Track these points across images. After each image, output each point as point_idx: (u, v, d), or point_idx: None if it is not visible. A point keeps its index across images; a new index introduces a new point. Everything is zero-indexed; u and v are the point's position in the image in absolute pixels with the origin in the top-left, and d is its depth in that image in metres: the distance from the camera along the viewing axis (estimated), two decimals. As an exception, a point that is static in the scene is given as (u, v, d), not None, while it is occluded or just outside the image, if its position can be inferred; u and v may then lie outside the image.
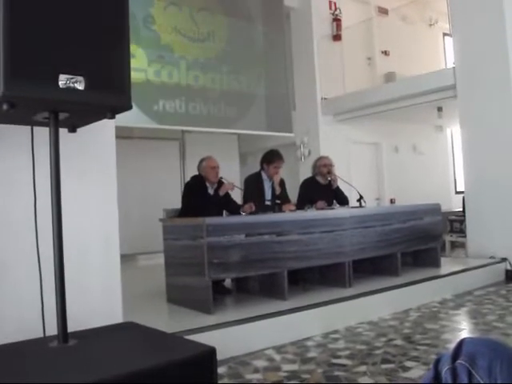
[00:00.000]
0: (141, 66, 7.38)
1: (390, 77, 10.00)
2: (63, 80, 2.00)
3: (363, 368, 3.15)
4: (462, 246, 7.57)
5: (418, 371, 3.02)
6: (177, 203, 5.04)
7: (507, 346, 1.19)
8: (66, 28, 2.03)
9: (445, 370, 1.15)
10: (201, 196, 4.89)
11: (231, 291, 4.92)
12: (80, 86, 2.04)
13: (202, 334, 3.26)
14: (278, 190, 5.18)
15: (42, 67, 1.95)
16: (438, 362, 1.19)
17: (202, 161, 5.09)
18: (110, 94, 2.14)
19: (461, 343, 1.19)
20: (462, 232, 7.53)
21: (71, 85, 2.01)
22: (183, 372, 1.91)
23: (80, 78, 2.04)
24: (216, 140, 9.37)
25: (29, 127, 2.49)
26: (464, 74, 6.81)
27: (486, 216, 6.49)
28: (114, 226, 3.28)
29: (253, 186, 5.26)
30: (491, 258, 6.28)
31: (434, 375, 1.17)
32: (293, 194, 5.67)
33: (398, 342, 3.71)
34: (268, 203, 5.14)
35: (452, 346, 1.19)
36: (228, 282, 5.17)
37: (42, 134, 2.32)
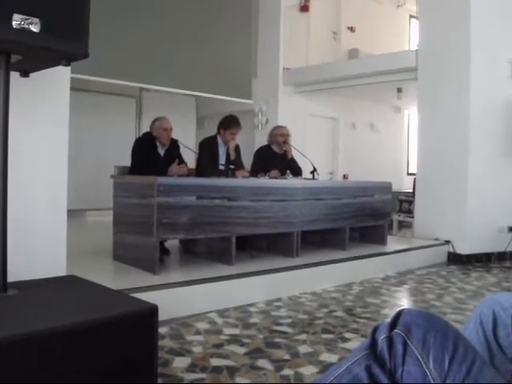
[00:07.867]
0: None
1: (353, 53, 10.02)
2: (17, 20, 1.91)
3: (303, 336, 3.20)
4: (409, 226, 7.74)
5: (356, 342, 3.08)
6: (129, 161, 4.95)
7: (442, 320, 1.22)
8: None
9: (381, 338, 1.17)
10: (149, 153, 4.85)
11: (169, 252, 4.91)
12: (35, 28, 1.96)
13: (145, 293, 3.23)
14: (232, 156, 5.15)
15: (-6, 4, 1.86)
16: (375, 331, 1.21)
17: (155, 120, 5.03)
18: (66, 39, 2.07)
19: (399, 314, 1.21)
20: (410, 212, 7.69)
21: (26, 26, 1.93)
22: (123, 328, 1.90)
23: (35, 20, 1.95)
24: (174, 101, 9.23)
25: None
26: (426, 57, 6.86)
27: (434, 199, 6.62)
28: (62, 179, 3.18)
29: (207, 149, 5.22)
30: (435, 239, 6.45)
31: (370, 343, 1.19)
32: (247, 160, 5.65)
33: (339, 313, 3.79)
34: (222, 168, 5.12)
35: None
36: (176, 244, 5.16)
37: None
